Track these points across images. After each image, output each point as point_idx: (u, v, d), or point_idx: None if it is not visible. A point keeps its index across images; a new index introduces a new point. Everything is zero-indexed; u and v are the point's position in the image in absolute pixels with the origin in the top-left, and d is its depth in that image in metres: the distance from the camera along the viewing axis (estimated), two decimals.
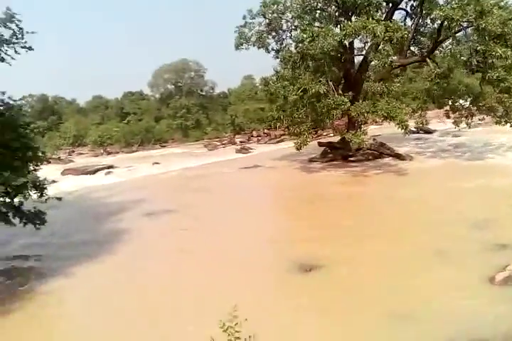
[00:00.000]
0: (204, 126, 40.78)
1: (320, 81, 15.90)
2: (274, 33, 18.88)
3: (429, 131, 27.78)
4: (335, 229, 10.09)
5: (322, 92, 15.50)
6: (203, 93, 44.58)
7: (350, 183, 15.87)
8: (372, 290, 6.71)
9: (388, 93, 16.93)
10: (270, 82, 18.23)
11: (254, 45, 18.11)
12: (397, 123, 15.22)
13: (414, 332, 5.45)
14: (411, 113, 16.95)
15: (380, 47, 15.86)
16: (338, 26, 16.77)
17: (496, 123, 18.01)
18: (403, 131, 15.45)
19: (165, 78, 42.66)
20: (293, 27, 17.88)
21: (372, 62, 18.61)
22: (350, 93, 16.54)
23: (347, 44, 16.72)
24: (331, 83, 16.24)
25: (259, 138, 34.99)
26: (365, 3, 15.82)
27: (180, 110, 40.62)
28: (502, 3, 15.09)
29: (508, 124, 17.52)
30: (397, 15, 19.65)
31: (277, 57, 19.49)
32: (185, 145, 35.88)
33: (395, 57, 16.41)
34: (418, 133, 28.98)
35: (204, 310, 6.28)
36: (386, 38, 14.71)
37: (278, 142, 33.02)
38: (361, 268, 7.58)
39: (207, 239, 10.16)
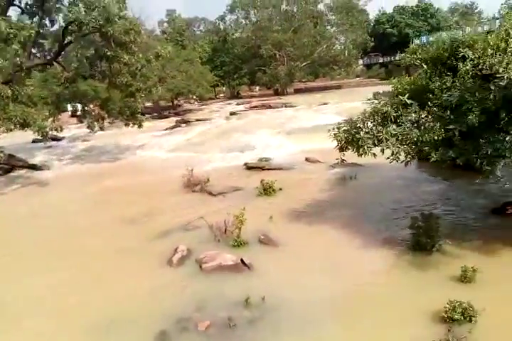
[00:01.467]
0: None
1: None
2: None
3: (57, 138, 26.87)
4: None
5: None
6: None
7: None
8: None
9: (16, 98, 15.16)
10: None
11: None
12: (37, 131, 13.97)
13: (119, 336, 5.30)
14: (48, 118, 15.85)
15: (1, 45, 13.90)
16: None
17: (126, 125, 19.51)
18: (42, 138, 14.38)
19: None
20: None
21: None
22: None
23: None
24: None
25: None
26: None
27: None
28: (121, 14, 16.11)
29: (131, 125, 19.23)
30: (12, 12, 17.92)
31: None
32: None
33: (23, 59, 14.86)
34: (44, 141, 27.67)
35: None
36: (11, 35, 13.18)
37: None
38: None
39: None
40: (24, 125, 13.97)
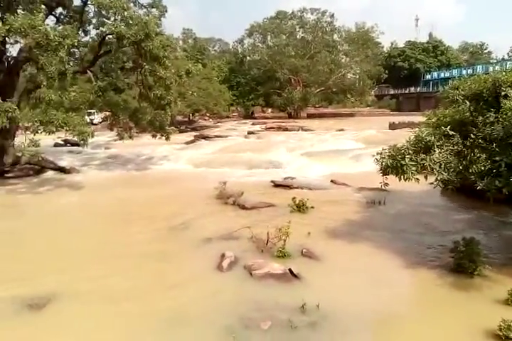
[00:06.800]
0: None
1: None
2: None
3: (77, 144, 27.41)
4: None
5: None
6: None
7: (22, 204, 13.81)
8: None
9: (60, 102, 15.73)
10: None
11: None
12: (76, 135, 14.51)
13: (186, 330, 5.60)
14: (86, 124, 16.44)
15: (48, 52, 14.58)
16: None
17: (153, 136, 20.15)
18: (82, 142, 14.87)
19: None
20: None
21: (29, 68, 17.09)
22: (14, 98, 14.42)
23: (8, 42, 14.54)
24: None
25: None
26: (29, 0, 14.23)
27: None
28: (158, 30, 17.00)
29: (158, 137, 19.89)
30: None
31: None
32: None
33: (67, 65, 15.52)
34: (66, 145, 28.33)
35: None
36: (56, 42, 13.87)
37: None
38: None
39: None
40: (68, 130, 14.47)
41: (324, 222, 10.00)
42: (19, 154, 15.80)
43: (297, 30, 58.60)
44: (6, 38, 13.56)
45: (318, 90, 55.54)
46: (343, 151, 19.78)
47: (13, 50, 17.40)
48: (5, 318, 5.88)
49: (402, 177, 7.95)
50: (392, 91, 72.42)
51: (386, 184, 8.39)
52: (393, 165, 8.07)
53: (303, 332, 5.39)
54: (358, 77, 58.78)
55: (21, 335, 5.53)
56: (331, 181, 14.70)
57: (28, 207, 13.15)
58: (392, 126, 30.64)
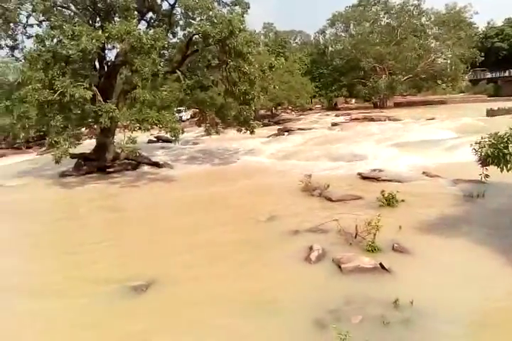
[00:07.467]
0: None
1: (82, 85, 14.38)
2: (7, 26, 15.92)
3: (168, 140, 29.11)
4: None
5: (88, 98, 14.11)
6: None
7: (128, 193, 15.02)
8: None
9: (145, 101, 16.80)
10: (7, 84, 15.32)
11: None
12: (169, 131, 15.44)
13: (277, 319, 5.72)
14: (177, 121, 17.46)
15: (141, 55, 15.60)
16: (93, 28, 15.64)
17: (238, 130, 20.67)
18: (174, 138, 15.82)
19: None
20: (37, 22, 15.51)
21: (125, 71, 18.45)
22: (114, 99, 15.69)
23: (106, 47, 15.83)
24: (94, 88, 14.96)
25: None
26: (124, 8, 15.32)
27: None
28: (241, 27, 17.39)
29: (239, 131, 20.32)
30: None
31: (13, 55, 16.61)
32: None
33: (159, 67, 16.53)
34: (158, 142, 30.13)
35: None
36: (148, 45, 14.76)
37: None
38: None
39: None
40: (162, 127, 15.44)
41: (416, 216, 9.56)
42: (119, 150, 17.17)
43: (381, 16, 56.05)
44: (105, 44, 14.59)
45: (405, 78, 52.79)
46: (434, 141, 18.64)
47: (110, 55, 18.98)
48: (114, 299, 6.48)
49: (504, 167, 7.36)
50: (489, 75, 66.38)
51: (486, 175, 7.82)
52: (494, 154, 7.50)
53: (396, 328, 5.24)
54: (449, 61, 54.84)
55: (129, 313, 6.09)
56: (423, 173, 13.97)
57: (128, 199, 14.25)
58: (490, 113, 28.17)
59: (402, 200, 10.64)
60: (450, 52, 54.15)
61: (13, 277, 7.77)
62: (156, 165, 19.97)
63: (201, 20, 16.69)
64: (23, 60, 16.15)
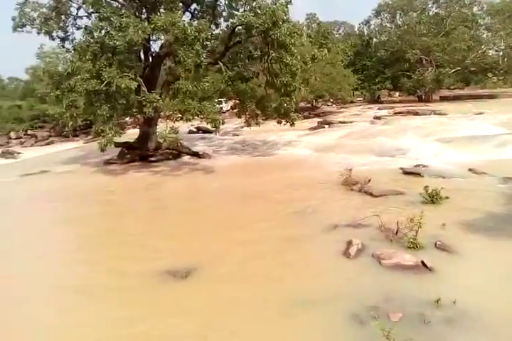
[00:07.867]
0: None
1: (127, 76, 14.73)
2: (59, 18, 16.50)
3: (209, 131, 29.41)
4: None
5: (133, 88, 14.47)
6: None
7: (169, 181, 15.36)
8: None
9: (187, 92, 16.98)
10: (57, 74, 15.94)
11: (41, 29, 15.33)
12: (210, 122, 15.61)
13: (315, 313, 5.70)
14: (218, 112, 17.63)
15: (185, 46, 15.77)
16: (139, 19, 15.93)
17: (278, 122, 20.57)
18: (215, 129, 15.99)
19: None
20: (86, 14, 15.98)
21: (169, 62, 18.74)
22: (157, 90, 16.01)
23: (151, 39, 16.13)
24: (139, 79, 15.31)
25: (22, 140, 30.01)
26: (170, 0, 15.52)
27: None
28: (285, 17, 17.22)
29: (279, 123, 20.18)
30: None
31: (63, 46, 17.24)
32: None
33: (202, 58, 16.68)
34: (198, 133, 30.52)
35: None
36: (192, 37, 14.89)
37: (48, 144, 29.15)
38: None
39: None
40: (203, 117, 15.63)
41: (461, 214, 9.23)
42: (161, 140, 17.53)
43: (430, 5, 53.87)
44: (151, 36, 14.84)
45: (453, 70, 50.63)
46: (482, 137, 17.84)
47: (155, 47, 19.31)
48: (155, 285, 6.69)
49: None
50: None
51: None
52: None
53: (437, 328, 5.10)
54: (501, 53, 52.09)
55: (170, 299, 6.29)
56: (469, 170, 13.44)
57: (170, 188, 14.57)
58: None
59: (447, 197, 10.28)
60: (503, 43, 51.38)
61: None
62: (197, 155, 20.30)
63: (245, 11, 16.66)
64: (72, 51, 16.72)
